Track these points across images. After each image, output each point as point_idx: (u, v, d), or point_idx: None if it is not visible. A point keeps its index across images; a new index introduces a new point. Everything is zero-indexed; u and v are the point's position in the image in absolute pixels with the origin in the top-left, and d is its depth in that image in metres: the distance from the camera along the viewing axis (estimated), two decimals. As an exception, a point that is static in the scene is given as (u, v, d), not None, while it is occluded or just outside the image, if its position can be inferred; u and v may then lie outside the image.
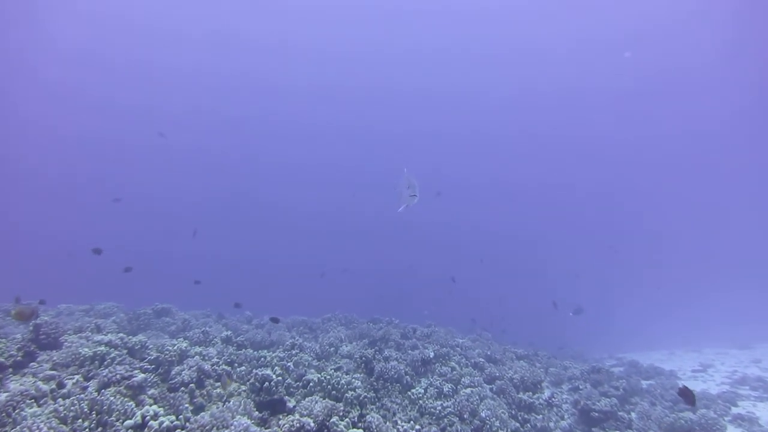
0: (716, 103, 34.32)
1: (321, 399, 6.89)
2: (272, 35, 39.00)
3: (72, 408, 4.51)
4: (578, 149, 40.77)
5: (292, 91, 41.15)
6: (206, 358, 7.42)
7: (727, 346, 19.43)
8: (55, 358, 5.99)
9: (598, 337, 22.27)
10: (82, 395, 4.81)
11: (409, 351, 10.43)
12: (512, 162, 41.81)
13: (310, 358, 9.41)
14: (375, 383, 8.46)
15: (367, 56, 39.80)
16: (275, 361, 8.68)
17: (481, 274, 32.34)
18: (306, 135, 42.97)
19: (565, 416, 8.75)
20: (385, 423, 6.49)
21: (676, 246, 35.80)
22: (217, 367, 7.16)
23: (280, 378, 7.19)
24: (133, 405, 4.98)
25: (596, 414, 8.44)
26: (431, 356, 10.00)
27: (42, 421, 4.24)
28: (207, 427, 4.95)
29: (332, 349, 10.49)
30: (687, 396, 5.64)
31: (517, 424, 7.96)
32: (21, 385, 5.18)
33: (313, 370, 8.72)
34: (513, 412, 8.52)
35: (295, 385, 7.51)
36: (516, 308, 27.96)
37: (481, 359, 10.55)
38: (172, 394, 5.93)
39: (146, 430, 4.71)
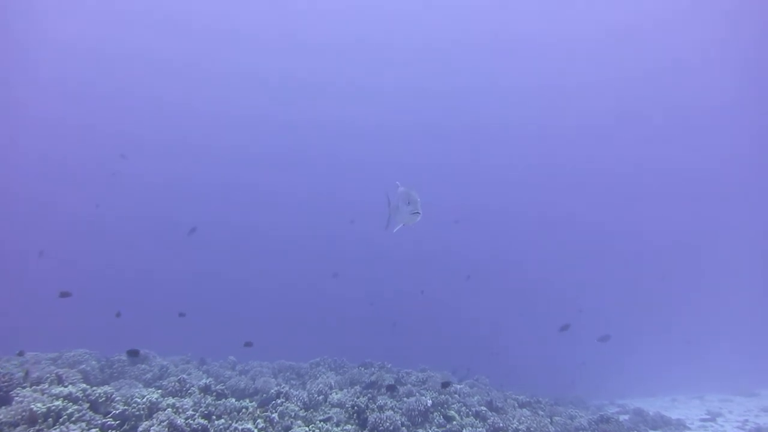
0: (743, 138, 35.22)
1: (308, 458, 6.14)
2: (266, 69, 39.37)
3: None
4: (604, 183, 40.72)
5: (294, 122, 41.28)
6: (180, 410, 6.64)
7: (731, 393, 18.70)
8: (0, 416, 5.22)
9: (604, 381, 21.40)
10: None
11: (405, 398, 9.65)
12: (528, 192, 41.39)
13: (296, 408, 8.61)
14: (368, 437, 7.69)
15: (371, 90, 40.40)
16: (258, 412, 7.89)
17: (484, 306, 31.68)
18: (308, 165, 42.49)
19: (577, 472, 7.97)
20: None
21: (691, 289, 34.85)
22: (192, 421, 6.38)
23: (262, 434, 6.43)
24: (87, 473, 4.24)
25: (611, 470, 7.69)
26: (429, 404, 9.24)
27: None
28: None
29: (321, 397, 9.69)
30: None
31: (526, 483, 7.18)
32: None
33: (300, 422, 7.92)
34: (520, 468, 7.75)
35: (279, 441, 6.74)
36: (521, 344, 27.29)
37: (482, 407, 9.79)
38: (136, 456, 5.17)
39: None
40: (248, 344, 11.67)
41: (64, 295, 10.41)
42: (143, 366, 11.02)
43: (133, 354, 8.40)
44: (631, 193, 40.06)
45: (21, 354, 10.26)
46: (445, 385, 10.34)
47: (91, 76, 35.71)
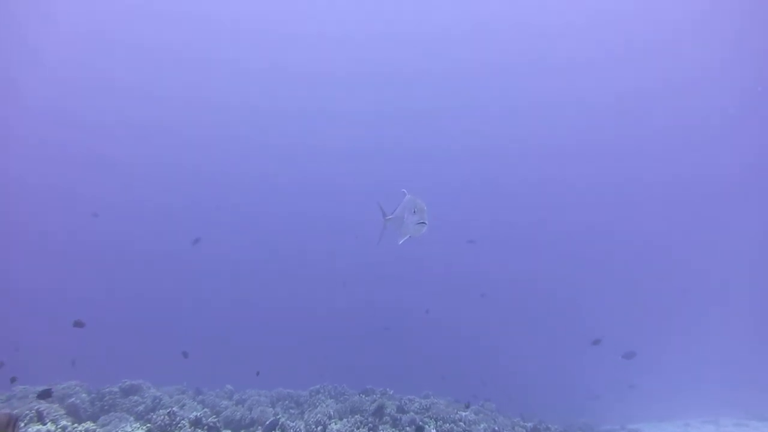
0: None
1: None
2: (266, 97, 39.69)
3: None
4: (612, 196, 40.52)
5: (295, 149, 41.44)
6: (167, 448, 6.26)
7: (745, 417, 18.08)
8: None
9: (613, 403, 20.75)
10: None
11: (407, 428, 9.23)
12: (535, 207, 40.97)
13: (293, 441, 8.22)
14: (368, 472, 7.27)
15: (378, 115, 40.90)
16: (252, 446, 7.51)
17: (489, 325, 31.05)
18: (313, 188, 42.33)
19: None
20: None
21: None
22: (180, 459, 6.00)
23: (254, 471, 6.04)
24: None
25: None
26: (432, 435, 8.82)
27: None
28: None
29: (319, 428, 9.28)
30: None
31: None
32: None
33: (296, 457, 7.53)
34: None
35: (272, 479, 6.33)
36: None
37: (488, 437, 9.36)
38: (116, 501, 4.80)
39: None
40: (257, 373, 11.55)
41: (78, 324, 10.19)
42: (135, 398, 10.61)
43: (45, 395, 8.01)
44: (643, 206, 39.64)
45: (13, 380, 9.94)
46: (467, 406, 9.98)
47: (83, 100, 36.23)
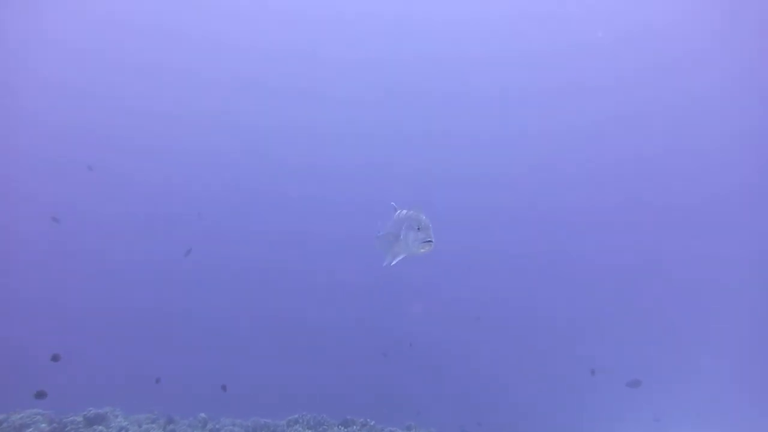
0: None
1: None
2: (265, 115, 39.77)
3: None
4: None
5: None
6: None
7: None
8: None
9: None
10: None
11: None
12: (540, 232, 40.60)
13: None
14: None
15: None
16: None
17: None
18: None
19: None
20: None
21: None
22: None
23: None
24: None
25: None
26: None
27: None
28: None
29: (292, 464, 8.81)
30: None
31: None
32: None
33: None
34: None
35: None
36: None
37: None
38: None
39: None
40: (223, 388, 11.88)
41: (56, 358, 10.00)
42: (100, 428, 10.11)
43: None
44: (647, 229, 39.32)
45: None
46: None
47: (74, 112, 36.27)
